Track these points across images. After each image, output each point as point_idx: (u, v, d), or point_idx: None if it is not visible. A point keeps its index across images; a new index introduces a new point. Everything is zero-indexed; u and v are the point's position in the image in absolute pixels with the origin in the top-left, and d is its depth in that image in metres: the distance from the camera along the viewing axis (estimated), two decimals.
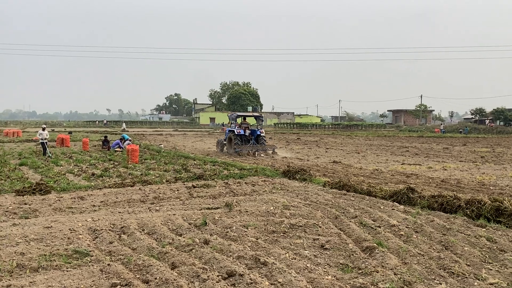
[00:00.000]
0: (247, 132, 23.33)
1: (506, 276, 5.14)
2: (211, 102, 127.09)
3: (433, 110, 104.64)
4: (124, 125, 70.03)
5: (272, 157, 21.23)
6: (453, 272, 5.21)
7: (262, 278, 4.97)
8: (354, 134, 55.02)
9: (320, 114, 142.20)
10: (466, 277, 5.07)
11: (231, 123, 24.75)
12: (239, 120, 24.92)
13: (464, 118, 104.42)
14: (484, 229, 7.07)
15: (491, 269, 5.36)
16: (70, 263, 5.58)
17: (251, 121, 27.06)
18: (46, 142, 20.59)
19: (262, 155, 21.82)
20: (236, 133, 22.88)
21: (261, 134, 23.45)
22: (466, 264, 5.52)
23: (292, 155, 22.87)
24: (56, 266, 5.44)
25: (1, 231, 6.92)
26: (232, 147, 22.72)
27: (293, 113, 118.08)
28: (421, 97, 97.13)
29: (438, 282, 4.99)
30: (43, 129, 21.11)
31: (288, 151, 25.35)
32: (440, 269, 5.36)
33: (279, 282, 4.82)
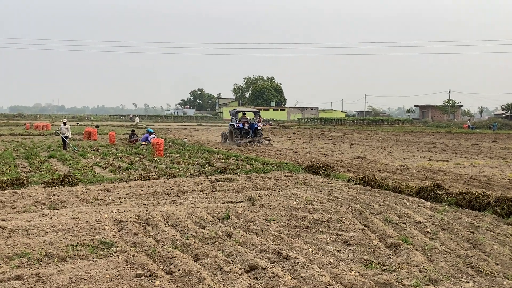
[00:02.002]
0: (246, 125, 25.65)
1: None
2: (234, 97, 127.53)
3: (462, 106, 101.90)
4: (137, 119, 66.68)
5: (268, 148, 23.82)
6: (481, 271, 5.07)
7: (285, 272, 4.96)
8: (380, 129, 54.21)
9: (345, 109, 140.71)
10: (495, 276, 4.92)
11: (232, 118, 27.04)
12: (239, 115, 27.12)
13: (495, 114, 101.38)
14: None
15: None
16: (96, 253, 5.70)
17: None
18: (67, 137, 20.04)
19: (258, 145, 24.47)
20: (236, 126, 25.39)
21: (258, 128, 26.05)
22: (495, 263, 5.36)
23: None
24: (82, 256, 5.57)
25: (30, 221, 7.13)
26: (233, 139, 25.19)
27: (317, 108, 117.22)
28: (449, 92, 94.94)
29: (465, 280, 4.86)
30: (64, 124, 20.31)
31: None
32: (467, 267, 5.22)
33: (302, 277, 4.80)
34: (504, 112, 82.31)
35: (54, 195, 9.47)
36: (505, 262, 5.38)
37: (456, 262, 5.35)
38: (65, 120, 21.58)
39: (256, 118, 27.16)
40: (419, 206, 8.45)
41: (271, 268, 4.99)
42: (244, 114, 27.36)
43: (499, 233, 6.53)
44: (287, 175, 12.62)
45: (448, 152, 21.92)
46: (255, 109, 29.06)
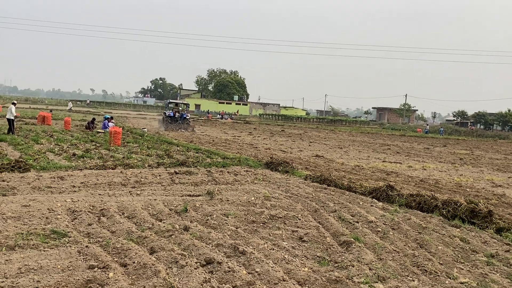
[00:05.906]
0: (177, 115, 31.59)
1: (476, 276, 5.30)
2: (197, 89, 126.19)
3: (417, 110, 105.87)
4: (70, 104, 62.00)
5: (192, 133, 28.37)
6: (426, 270, 5.36)
7: (240, 267, 5.03)
8: (338, 129, 55.42)
9: (305, 107, 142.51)
10: (438, 275, 5.22)
11: (165, 107, 34.43)
12: (171, 105, 34.54)
13: (446, 120, 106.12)
14: (459, 230, 7.26)
15: (462, 269, 5.52)
16: (47, 243, 5.54)
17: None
18: (13, 120, 18.99)
19: (183, 131, 29.46)
20: (167, 114, 31.68)
21: (187, 117, 32.18)
22: (439, 262, 5.67)
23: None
24: (33, 245, 5.40)
25: None
26: (163, 124, 30.99)
27: (279, 104, 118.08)
28: (405, 96, 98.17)
29: (411, 279, 5.12)
30: (14, 104, 19.42)
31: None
32: (413, 266, 5.50)
33: (256, 272, 4.89)
34: (455, 118, 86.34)
35: (3, 181, 9.07)
36: (448, 262, 5.71)
37: (403, 261, 5.62)
38: (15, 101, 20.37)
39: (185, 110, 34.44)
40: (371, 206, 8.77)
41: (226, 262, 5.04)
42: (176, 105, 34.64)
43: (444, 234, 6.91)
44: (247, 170, 12.71)
45: (401, 154, 22.77)
46: (186, 102, 37.55)
